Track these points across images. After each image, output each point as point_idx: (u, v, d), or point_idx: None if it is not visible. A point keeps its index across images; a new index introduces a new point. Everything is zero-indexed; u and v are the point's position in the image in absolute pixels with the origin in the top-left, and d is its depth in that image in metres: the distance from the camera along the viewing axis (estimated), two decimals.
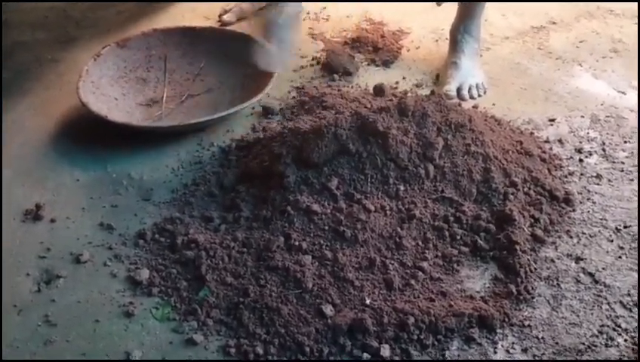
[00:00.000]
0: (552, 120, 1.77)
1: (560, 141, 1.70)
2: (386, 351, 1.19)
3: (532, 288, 1.31)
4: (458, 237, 1.40)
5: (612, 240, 1.42)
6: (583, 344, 1.21)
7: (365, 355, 1.20)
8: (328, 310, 1.25)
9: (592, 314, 1.27)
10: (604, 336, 1.23)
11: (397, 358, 1.19)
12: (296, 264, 1.33)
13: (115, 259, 1.40)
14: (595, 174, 1.59)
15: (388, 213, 1.41)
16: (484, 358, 1.19)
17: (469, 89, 1.86)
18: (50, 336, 1.24)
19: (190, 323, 1.26)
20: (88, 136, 1.73)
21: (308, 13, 2.27)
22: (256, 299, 1.27)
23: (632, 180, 1.57)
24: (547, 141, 1.70)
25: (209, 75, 1.93)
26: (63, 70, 2.02)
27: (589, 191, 1.54)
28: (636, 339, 1.22)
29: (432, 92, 1.74)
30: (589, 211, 1.49)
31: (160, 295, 1.32)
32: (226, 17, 2.21)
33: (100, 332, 1.26)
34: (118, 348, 1.22)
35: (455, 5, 1.92)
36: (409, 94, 1.83)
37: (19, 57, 2.08)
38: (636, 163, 1.62)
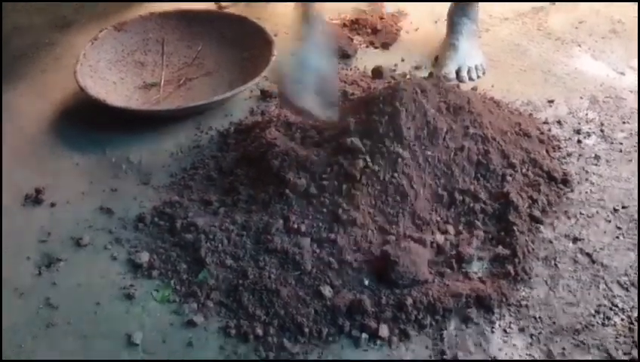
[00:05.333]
0: (551, 101, 1.77)
1: (559, 122, 1.69)
2: (384, 331, 1.20)
3: (529, 268, 1.32)
4: (456, 218, 1.41)
5: (610, 221, 1.42)
6: (580, 323, 1.22)
7: (364, 335, 1.21)
8: (327, 291, 1.26)
9: (589, 293, 1.28)
10: (601, 316, 1.24)
11: (395, 338, 1.20)
12: (295, 246, 1.34)
13: (115, 243, 1.41)
14: (593, 155, 1.59)
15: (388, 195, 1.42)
16: (481, 338, 1.20)
17: (468, 71, 1.86)
18: (51, 319, 1.26)
19: (190, 305, 1.27)
20: (87, 120, 1.73)
21: None
22: (256, 281, 1.28)
23: (630, 161, 1.57)
24: (546, 122, 1.70)
25: (207, 58, 1.93)
26: (61, 54, 2.01)
27: (587, 171, 1.54)
28: (633, 319, 1.23)
29: (431, 74, 1.73)
30: (587, 192, 1.49)
31: (160, 277, 1.33)
32: (223, 2, 2.20)
33: (101, 314, 1.27)
34: (119, 330, 1.23)
35: None
36: (408, 76, 1.83)
37: (16, 42, 2.07)
38: (634, 144, 1.62)
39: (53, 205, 1.50)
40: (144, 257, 1.36)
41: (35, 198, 1.51)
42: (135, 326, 1.24)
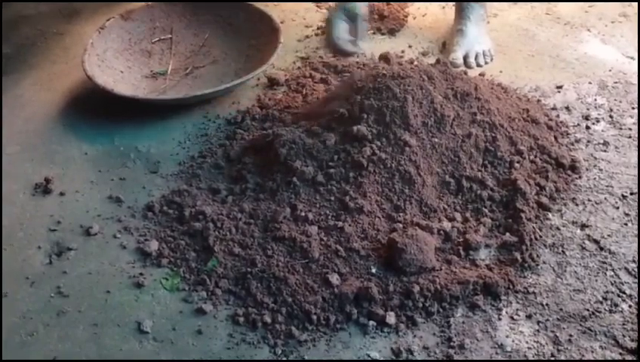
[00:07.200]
0: (560, 87, 1.76)
1: (567, 108, 1.68)
2: (391, 319, 1.21)
3: (537, 255, 1.32)
4: (463, 206, 1.41)
5: (618, 207, 1.42)
6: (587, 310, 1.23)
7: (371, 323, 1.22)
8: (334, 279, 1.27)
9: (596, 280, 1.28)
10: (609, 302, 1.24)
11: (402, 325, 1.21)
12: (302, 234, 1.34)
13: (125, 231, 1.42)
14: (601, 141, 1.58)
15: (395, 181, 1.42)
16: (488, 325, 1.21)
17: (476, 56, 1.85)
18: (62, 307, 1.27)
19: (199, 293, 1.29)
20: (95, 110, 1.74)
21: None
22: (264, 269, 1.29)
23: (638, 147, 1.56)
24: (554, 108, 1.69)
25: (214, 47, 1.93)
26: (69, 43, 2.02)
27: (595, 158, 1.54)
28: None
29: (438, 60, 1.72)
30: (595, 178, 1.49)
31: (169, 266, 1.34)
32: None
33: (111, 302, 1.28)
34: (129, 318, 1.25)
35: None
36: (415, 62, 1.82)
37: (24, 31, 2.08)
38: None
39: (62, 194, 1.52)
40: (153, 246, 1.37)
41: (44, 188, 1.53)
42: (145, 314, 1.26)
